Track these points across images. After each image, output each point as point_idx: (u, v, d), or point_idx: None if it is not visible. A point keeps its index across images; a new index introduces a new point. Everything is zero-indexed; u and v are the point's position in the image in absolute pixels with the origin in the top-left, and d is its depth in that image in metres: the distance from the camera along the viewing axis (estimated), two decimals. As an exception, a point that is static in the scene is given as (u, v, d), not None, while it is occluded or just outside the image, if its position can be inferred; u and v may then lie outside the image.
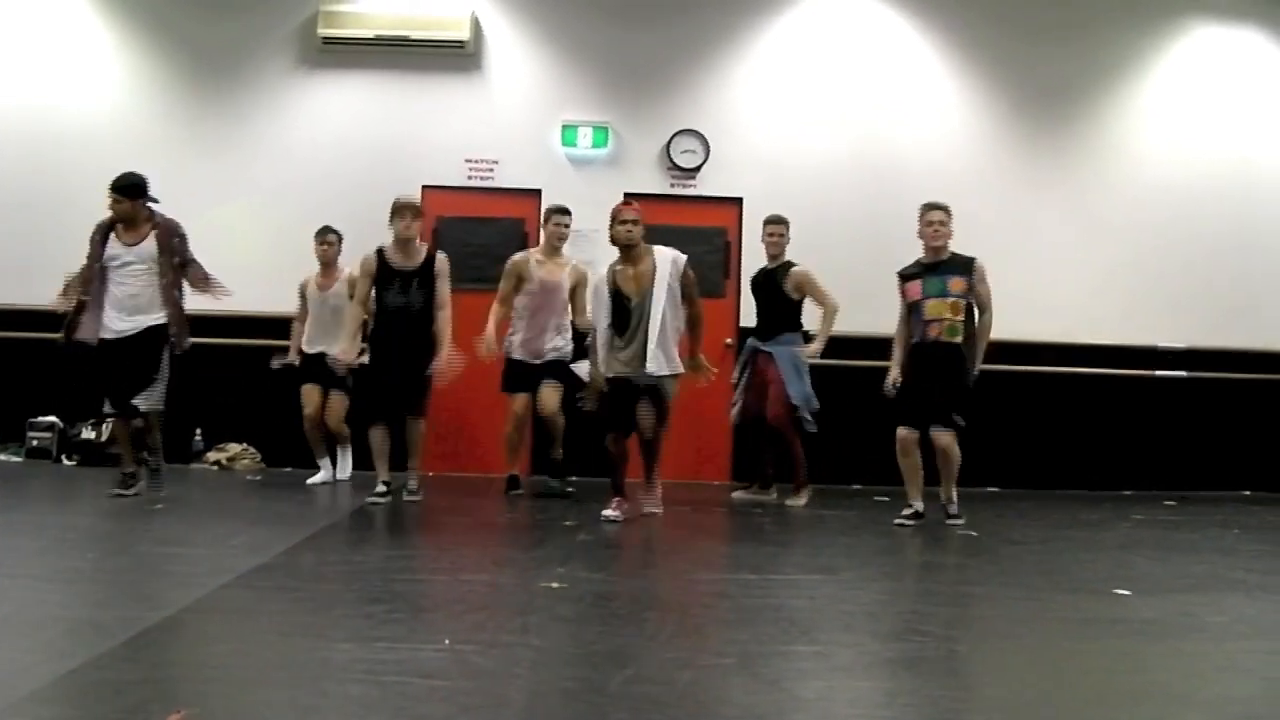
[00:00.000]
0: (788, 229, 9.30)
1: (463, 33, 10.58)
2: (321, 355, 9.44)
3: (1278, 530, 8.82)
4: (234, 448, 10.31)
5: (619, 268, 7.96)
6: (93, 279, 8.00)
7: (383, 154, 10.67)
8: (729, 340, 10.38)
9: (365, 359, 8.50)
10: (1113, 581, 5.81)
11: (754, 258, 10.00)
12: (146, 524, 7.07)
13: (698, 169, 10.80)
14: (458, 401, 9.92)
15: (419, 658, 3.94)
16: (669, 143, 10.79)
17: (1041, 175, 11.11)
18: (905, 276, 8.18)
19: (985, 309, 8.11)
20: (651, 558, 7.07)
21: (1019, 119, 11.13)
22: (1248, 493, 10.91)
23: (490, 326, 8.85)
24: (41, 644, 4.02)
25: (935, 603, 5.53)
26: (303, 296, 9.58)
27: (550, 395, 9.06)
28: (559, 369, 9.12)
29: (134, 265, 7.97)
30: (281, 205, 10.49)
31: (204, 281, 8.12)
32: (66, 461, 10.12)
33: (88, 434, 10.16)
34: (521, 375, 9.07)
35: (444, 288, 8.37)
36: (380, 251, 8.41)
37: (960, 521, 7.93)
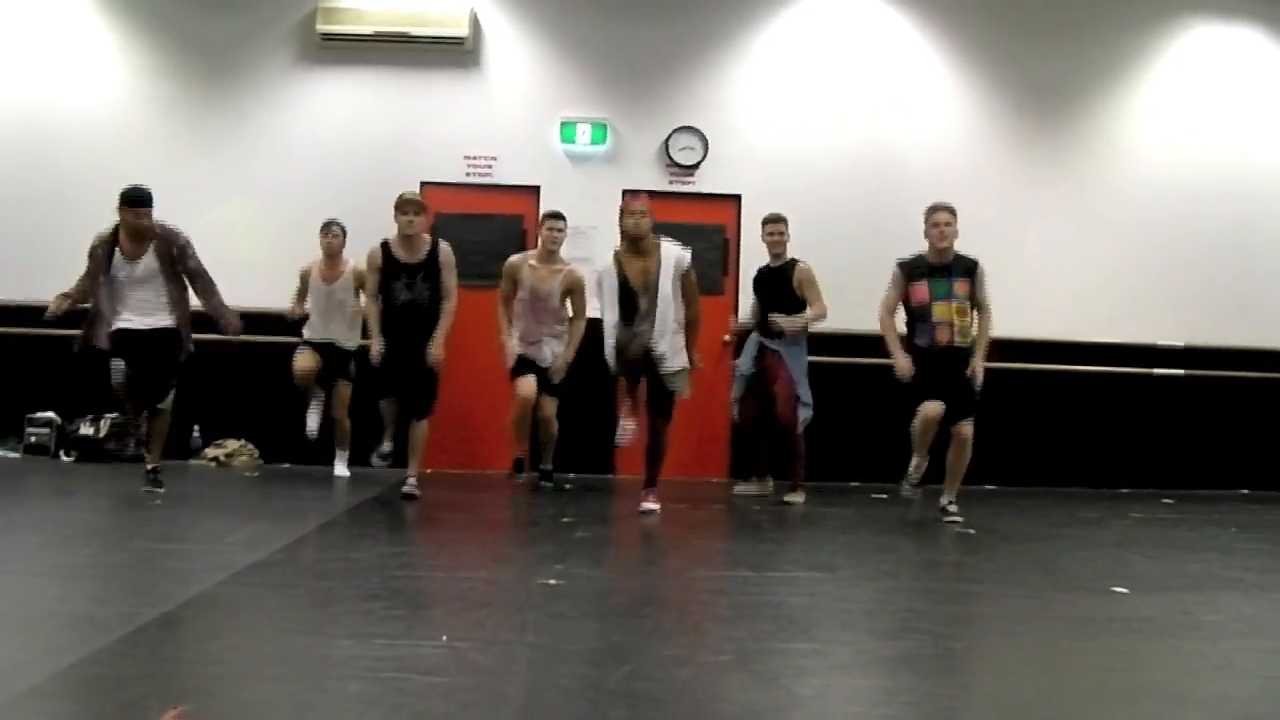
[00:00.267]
0: (787, 226, 9.31)
1: (462, 29, 10.57)
2: (326, 344, 9.54)
3: (1275, 529, 8.83)
4: (232, 444, 10.30)
5: (626, 258, 8.01)
6: (94, 291, 8.02)
7: (382, 150, 10.66)
8: (727, 337, 10.38)
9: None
10: (1110, 579, 5.81)
11: (752, 255, 10.00)
12: (144, 520, 7.07)
13: (696, 166, 10.80)
14: (459, 398, 9.92)
15: (417, 654, 3.95)
16: (668, 140, 10.78)
17: (1040, 173, 11.11)
18: (910, 274, 8.13)
19: (985, 312, 8.11)
20: (650, 555, 7.08)
21: (1018, 117, 11.12)
22: (1246, 491, 10.91)
23: (505, 337, 9.09)
24: (40, 639, 4.02)
25: (933, 600, 5.53)
26: (304, 281, 9.63)
27: (548, 403, 9.21)
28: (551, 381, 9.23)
29: (138, 279, 7.99)
30: (281, 202, 10.48)
31: (217, 310, 8.14)
32: (64, 457, 10.11)
33: (86, 430, 10.14)
34: (527, 362, 9.12)
35: (450, 279, 8.39)
36: (385, 245, 8.42)
37: (959, 519, 7.93)
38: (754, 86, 10.96)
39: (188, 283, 8.11)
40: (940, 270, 8.05)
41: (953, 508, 8.02)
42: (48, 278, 9.92)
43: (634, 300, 7.93)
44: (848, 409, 9.91)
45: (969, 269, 8.09)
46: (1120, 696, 3.83)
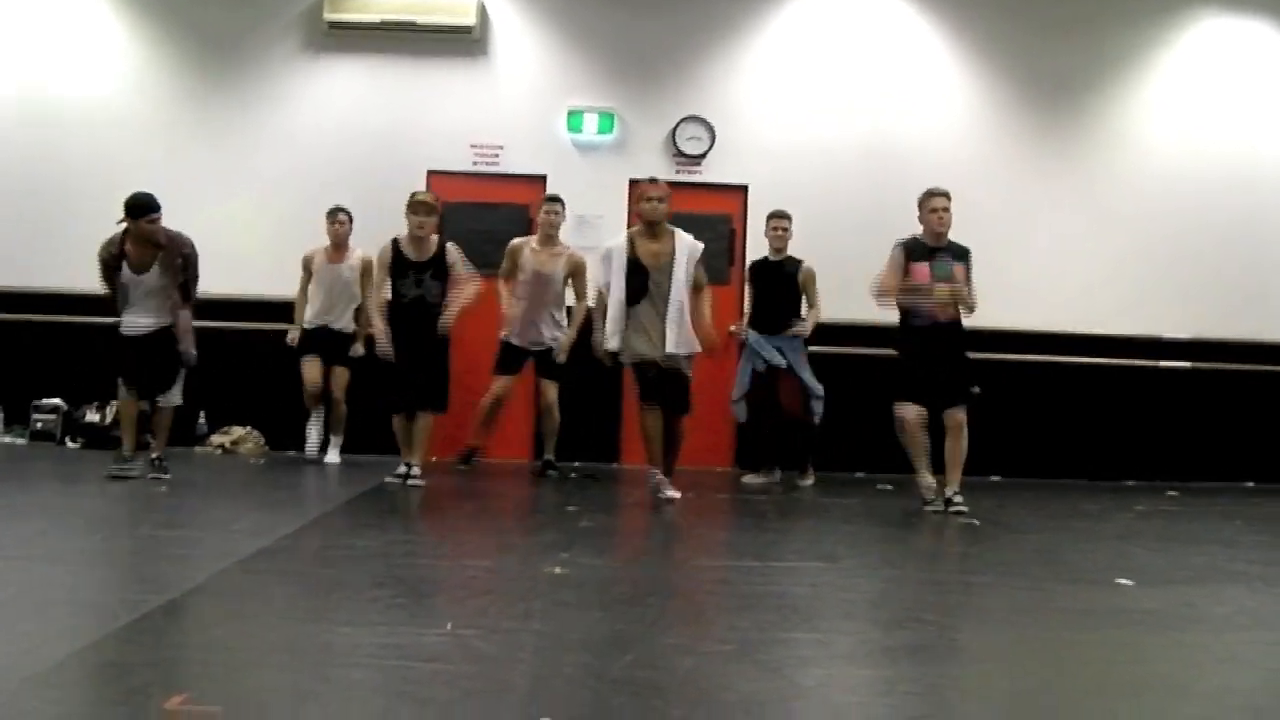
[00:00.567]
0: (791, 223, 9.42)
1: (469, 18, 10.55)
2: (325, 329, 9.59)
3: (1279, 522, 8.83)
4: (238, 431, 10.31)
5: (640, 239, 8.15)
6: (116, 294, 8.07)
7: (388, 139, 10.65)
8: (733, 327, 10.36)
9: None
10: (1114, 572, 5.81)
11: (759, 246, 9.99)
12: (150, 507, 7.08)
13: (703, 156, 10.78)
14: (462, 388, 9.91)
15: (421, 642, 3.96)
16: (674, 129, 10.76)
17: (1048, 165, 11.08)
18: (911, 254, 8.13)
19: (971, 302, 8.15)
20: (653, 544, 7.09)
21: (1026, 109, 11.09)
22: (1250, 484, 10.89)
23: (508, 311, 9.23)
24: (44, 626, 4.04)
25: (936, 591, 5.54)
26: (307, 270, 9.65)
27: (550, 388, 9.34)
28: (554, 365, 9.32)
29: (146, 289, 8.01)
30: (286, 189, 10.48)
31: (183, 328, 8.10)
32: (70, 444, 10.12)
33: (92, 416, 10.15)
34: (512, 358, 9.27)
35: (464, 269, 8.49)
36: (395, 243, 8.45)
37: (965, 510, 7.93)
38: (761, 77, 10.93)
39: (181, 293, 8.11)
40: (937, 252, 8.09)
41: (958, 499, 8.01)
42: (52, 266, 10.00)
43: (645, 279, 8.02)
44: (853, 400, 9.89)
45: (964, 254, 8.16)
46: (1123, 688, 3.83)
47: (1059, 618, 4.93)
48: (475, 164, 10.69)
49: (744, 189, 10.78)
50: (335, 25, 10.54)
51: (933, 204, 8.11)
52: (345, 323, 9.69)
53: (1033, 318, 10.44)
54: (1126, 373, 10.96)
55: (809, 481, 9.42)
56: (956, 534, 7.38)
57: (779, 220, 9.42)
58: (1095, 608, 5.08)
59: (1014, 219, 10.78)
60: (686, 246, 8.12)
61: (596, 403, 10.09)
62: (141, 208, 7.86)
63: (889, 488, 9.46)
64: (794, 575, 5.65)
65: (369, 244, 9.68)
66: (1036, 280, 10.57)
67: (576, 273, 9.33)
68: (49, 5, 10.68)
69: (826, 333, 9.69)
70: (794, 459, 9.49)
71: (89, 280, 8.22)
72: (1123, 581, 5.58)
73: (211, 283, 8.40)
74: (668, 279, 8.02)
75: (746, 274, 9.81)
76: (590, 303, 8.83)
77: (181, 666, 3.64)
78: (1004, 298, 8.17)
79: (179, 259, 7.98)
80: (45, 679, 3.35)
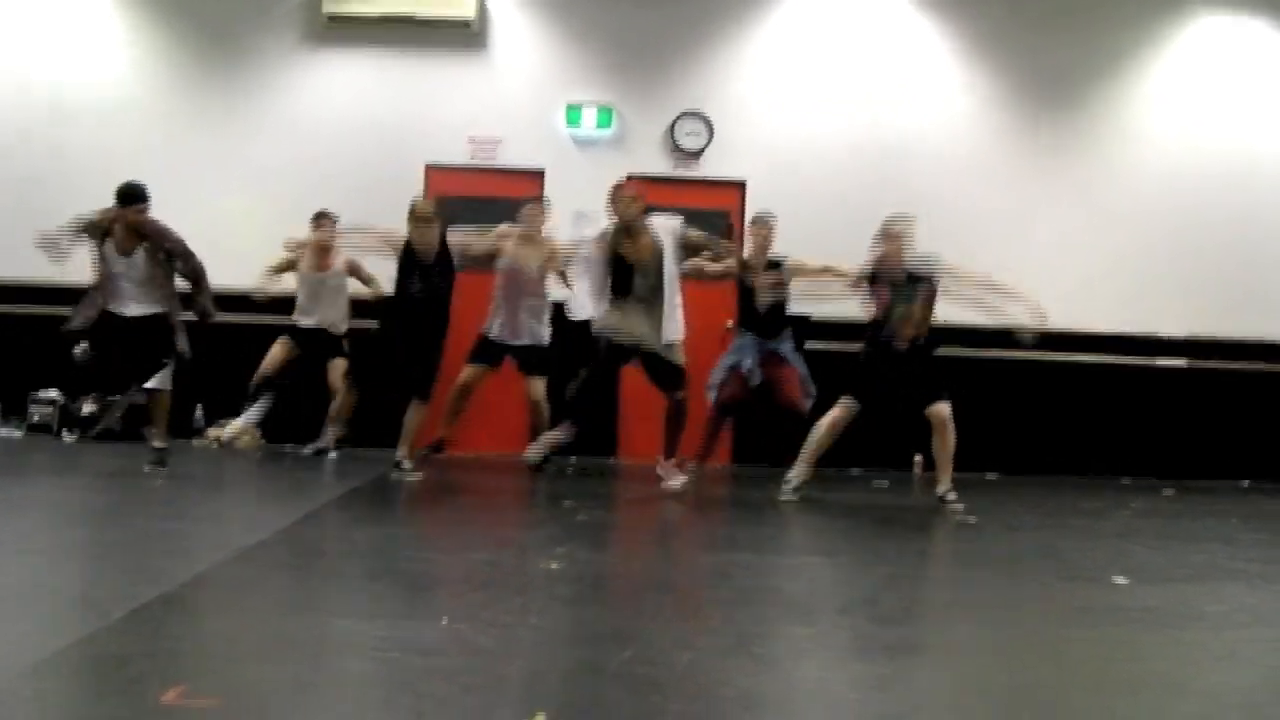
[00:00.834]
0: (774, 225, 9.29)
1: (468, 11, 10.54)
2: (313, 330, 9.68)
3: (1276, 519, 8.84)
4: (235, 424, 10.29)
5: (620, 238, 8.09)
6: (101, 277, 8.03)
7: (387, 132, 10.64)
8: (730, 323, 10.35)
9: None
10: (1111, 569, 5.81)
11: (757, 241, 9.98)
12: (146, 499, 7.07)
13: (701, 151, 10.78)
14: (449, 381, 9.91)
15: (418, 636, 3.95)
16: (673, 124, 10.76)
17: (1046, 162, 11.09)
18: (875, 277, 8.15)
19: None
20: (651, 538, 7.09)
21: (1025, 105, 11.10)
22: (1246, 483, 10.90)
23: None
24: (41, 618, 4.03)
25: (933, 587, 5.54)
26: (287, 262, 9.70)
27: (537, 383, 9.23)
28: (540, 359, 9.24)
29: (130, 274, 7.96)
30: (285, 182, 10.47)
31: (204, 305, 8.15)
32: (67, 436, 10.12)
33: (89, 409, 10.14)
34: (488, 351, 9.18)
35: (462, 239, 8.59)
36: (408, 243, 8.46)
37: (960, 506, 7.93)
38: (760, 72, 10.93)
39: (188, 280, 8.08)
40: (896, 284, 8.08)
41: (951, 496, 8.01)
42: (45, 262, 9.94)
43: (629, 277, 8.01)
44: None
45: (928, 279, 8.13)
46: (1120, 686, 3.83)
47: (1056, 615, 4.93)
48: (474, 158, 10.68)
49: (742, 184, 10.78)
50: (334, 18, 10.53)
51: (889, 231, 8.11)
52: (337, 324, 9.70)
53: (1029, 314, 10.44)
54: (1123, 370, 10.97)
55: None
56: (953, 531, 7.38)
57: (760, 224, 9.29)
58: (1093, 605, 5.08)
59: (1011, 215, 10.78)
60: (667, 233, 8.13)
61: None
62: (128, 196, 7.84)
63: (885, 484, 9.46)
64: (792, 570, 5.66)
65: (353, 251, 9.72)
66: (1034, 277, 10.51)
67: (552, 256, 9.15)
68: (48, -3, 10.68)
69: (822, 329, 9.67)
70: (788, 450, 9.34)
71: (86, 271, 8.19)
72: (1120, 579, 5.57)
73: (209, 274, 8.37)
74: (656, 274, 8.04)
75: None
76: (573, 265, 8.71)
77: (179, 659, 3.64)
78: (1001, 295, 8.15)
79: (161, 253, 7.95)
80: (42, 671, 3.34)
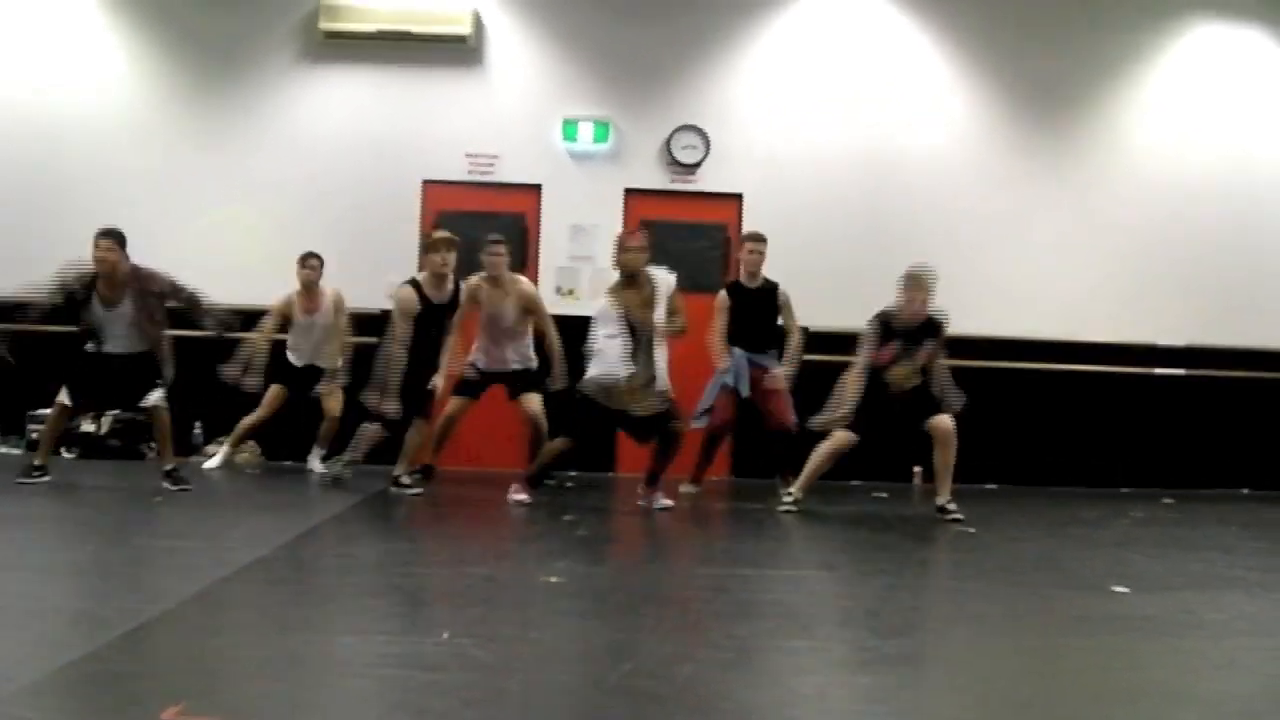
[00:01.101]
0: (767, 245, 9.28)
1: (464, 27, 10.56)
2: (308, 369, 9.56)
3: (1276, 528, 8.84)
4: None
5: (623, 293, 8.02)
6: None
7: (384, 148, 10.65)
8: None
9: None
10: (1111, 579, 5.81)
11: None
12: (146, 517, 7.08)
13: (698, 165, 10.79)
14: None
15: (418, 651, 3.95)
16: (670, 138, 10.77)
17: (1042, 172, 11.09)
18: (883, 333, 8.10)
19: (935, 369, 8.22)
20: (650, 552, 7.09)
21: (1020, 115, 11.10)
22: (1246, 491, 10.89)
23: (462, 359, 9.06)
24: (40, 635, 4.03)
25: (933, 598, 5.54)
26: (279, 316, 9.53)
27: (533, 398, 9.04)
28: (531, 378, 9.13)
29: (116, 326, 7.99)
30: (282, 199, 10.47)
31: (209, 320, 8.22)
32: (66, 454, 10.10)
33: (87, 427, 10.13)
34: (473, 384, 9.09)
35: (457, 317, 8.64)
36: (417, 286, 8.46)
37: (960, 518, 7.93)
38: (756, 85, 10.94)
39: (187, 308, 8.14)
40: (910, 334, 8.10)
41: (951, 506, 8.01)
42: (48, 273, 9.94)
43: (635, 335, 7.97)
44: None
45: (936, 329, 8.16)
46: (1120, 694, 3.83)
47: (1056, 624, 4.93)
48: (470, 173, 10.70)
49: (739, 197, 10.79)
50: (331, 35, 10.54)
51: (911, 285, 8.07)
52: (329, 363, 9.65)
53: (1026, 325, 10.44)
54: (1121, 380, 10.96)
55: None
56: (952, 541, 7.38)
57: (755, 243, 9.27)
58: (1092, 614, 5.08)
59: (1007, 224, 10.78)
60: (664, 285, 8.08)
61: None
62: (101, 232, 7.89)
63: (884, 496, 9.45)
64: (791, 583, 5.66)
65: (363, 252, 9.74)
66: (1030, 287, 10.58)
67: (531, 307, 9.02)
68: (47, 13, 10.68)
69: (819, 342, 9.66)
70: (779, 467, 9.30)
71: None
72: (1120, 588, 5.58)
73: (207, 291, 8.38)
74: (651, 328, 7.98)
75: (721, 299, 9.53)
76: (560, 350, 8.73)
77: (178, 676, 3.64)
78: (996, 304, 8.17)
79: (151, 297, 7.97)
80: (41, 688, 3.34)
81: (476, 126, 10.71)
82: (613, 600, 5.13)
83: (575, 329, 8.79)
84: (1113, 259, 11.01)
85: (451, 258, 8.46)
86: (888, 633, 4.66)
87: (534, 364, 9.11)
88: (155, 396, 8.14)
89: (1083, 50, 11.12)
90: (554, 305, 9.66)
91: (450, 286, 8.54)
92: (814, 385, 9.21)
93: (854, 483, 10.12)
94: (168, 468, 8.12)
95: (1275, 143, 11.31)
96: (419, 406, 8.47)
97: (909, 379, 8.09)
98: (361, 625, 4.36)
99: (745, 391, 8.99)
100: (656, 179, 10.78)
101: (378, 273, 9.84)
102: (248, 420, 9.60)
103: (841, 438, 8.14)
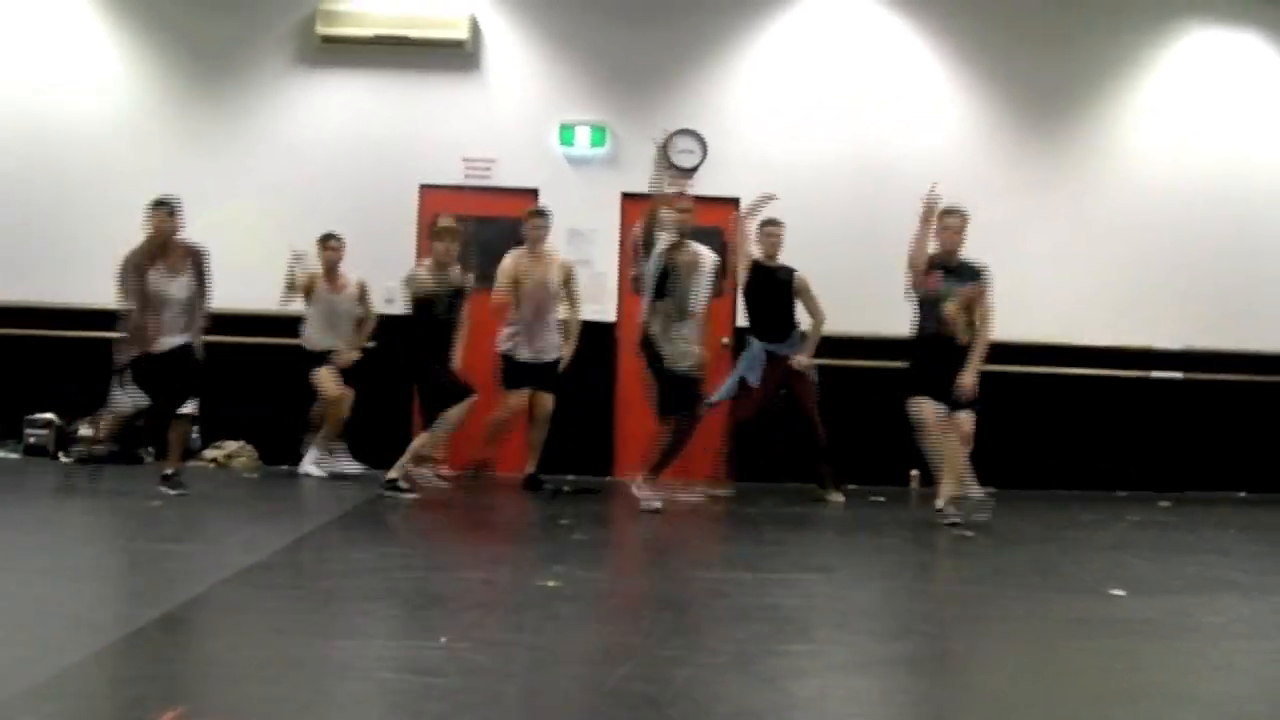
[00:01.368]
0: (783, 230, 9.45)
1: (461, 32, 10.57)
2: (328, 352, 9.64)
3: (1273, 531, 8.84)
4: (231, 445, 10.29)
5: (673, 252, 8.23)
6: (146, 311, 8.02)
7: (381, 153, 10.66)
8: (725, 339, 10.37)
9: None
10: (1108, 581, 5.82)
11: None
12: (144, 521, 7.07)
13: (695, 169, 10.79)
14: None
15: (415, 655, 3.96)
16: (667, 142, 10.77)
17: (1038, 176, 11.10)
18: (931, 262, 8.20)
19: (986, 322, 8.19)
20: (647, 556, 7.09)
21: (1016, 120, 11.12)
22: (1243, 494, 10.90)
23: (510, 326, 9.22)
24: (39, 639, 4.03)
25: (930, 602, 5.54)
26: (307, 288, 9.63)
27: (549, 400, 9.29)
28: (556, 377, 9.29)
29: (176, 295, 8.05)
30: (280, 203, 10.47)
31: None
32: (64, 458, 10.10)
33: (85, 431, 10.13)
34: (523, 373, 9.19)
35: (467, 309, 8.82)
36: (426, 268, 8.63)
37: (959, 521, 7.91)
38: (754, 90, 10.95)
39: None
40: (950, 270, 8.18)
41: (950, 509, 8.00)
42: (46, 280, 9.98)
43: (685, 289, 8.19)
44: (845, 411, 9.90)
45: (976, 273, 8.26)
46: (1118, 697, 3.83)
47: (1054, 627, 4.94)
48: (468, 177, 10.70)
49: (736, 202, 10.78)
50: (328, 39, 10.55)
51: (945, 221, 8.21)
52: (336, 345, 9.71)
53: (1024, 328, 10.44)
54: (1118, 383, 10.98)
55: (840, 498, 9.30)
56: (950, 545, 7.38)
57: (771, 226, 9.45)
58: (1090, 617, 5.08)
59: (1005, 231, 10.76)
60: (709, 260, 8.34)
61: (590, 415, 10.09)
62: (156, 202, 8.02)
63: (882, 499, 9.46)
64: (789, 587, 5.65)
65: (361, 257, 9.74)
66: (1027, 291, 10.57)
67: (569, 278, 9.41)
68: (45, 18, 10.68)
69: (818, 345, 9.68)
70: (816, 467, 9.38)
71: (83, 294, 8.22)
72: (1117, 591, 5.58)
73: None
74: (699, 290, 8.23)
75: (740, 275, 9.69)
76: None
77: (177, 680, 3.64)
78: (996, 309, 8.17)
79: (202, 269, 8.14)
80: (41, 692, 3.34)
81: (474, 131, 10.71)
82: (610, 604, 5.13)
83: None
84: (1109, 263, 11.02)
85: (455, 248, 8.57)
86: (886, 636, 4.66)
87: (560, 358, 9.34)
88: (192, 405, 8.29)
89: (1080, 55, 11.14)
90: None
91: (454, 274, 8.60)
92: (844, 389, 9.24)
93: (851, 487, 10.13)
94: (168, 471, 8.13)
95: (1272, 147, 11.34)
96: (449, 395, 8.50)
97: (958, 317, 8.09)
98: (359, 629, 4.36)
99: (755, 381, 9.08)
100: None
101: (376, 277, 9.85)
102: (319, 422, 9.70)
103: (932, 409, 8.04)
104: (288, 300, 9.59)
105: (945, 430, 8.06)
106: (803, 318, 9.56)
